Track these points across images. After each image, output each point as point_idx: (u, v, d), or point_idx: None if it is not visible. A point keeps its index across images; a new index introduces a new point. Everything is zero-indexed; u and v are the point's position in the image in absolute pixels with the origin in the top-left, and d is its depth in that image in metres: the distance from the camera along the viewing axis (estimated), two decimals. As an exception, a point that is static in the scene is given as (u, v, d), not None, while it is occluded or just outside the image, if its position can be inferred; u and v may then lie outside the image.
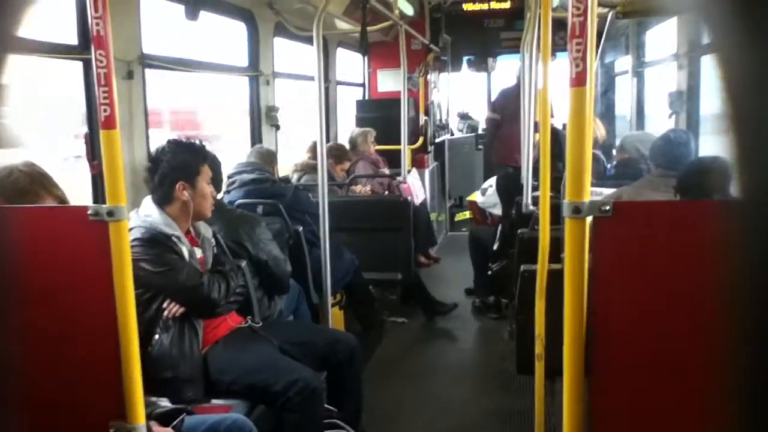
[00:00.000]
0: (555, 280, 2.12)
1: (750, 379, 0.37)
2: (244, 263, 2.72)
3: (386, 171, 5.66)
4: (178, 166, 2.47)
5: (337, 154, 5.03)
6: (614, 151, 4.70)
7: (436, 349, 4.40)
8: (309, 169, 4.72)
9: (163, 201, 2.47)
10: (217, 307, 2.48)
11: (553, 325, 2.09)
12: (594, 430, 1.33)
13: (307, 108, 5.35)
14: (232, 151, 4.88)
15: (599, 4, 3.61)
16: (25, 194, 1.86)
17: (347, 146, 5.47)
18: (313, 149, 4.84)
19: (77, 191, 2.93)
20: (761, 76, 0.33)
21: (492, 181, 5.23)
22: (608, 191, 3.21)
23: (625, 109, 6.08)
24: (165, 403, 2.11)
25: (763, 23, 0.33)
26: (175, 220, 2.46)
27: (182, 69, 3.81)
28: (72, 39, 2.82)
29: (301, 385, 2.37)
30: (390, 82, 7.15)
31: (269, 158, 3.90)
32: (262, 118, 4.67)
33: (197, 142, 2.57)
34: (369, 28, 4.29)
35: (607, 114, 6.39)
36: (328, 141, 4.96)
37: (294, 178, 4.74)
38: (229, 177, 3.67)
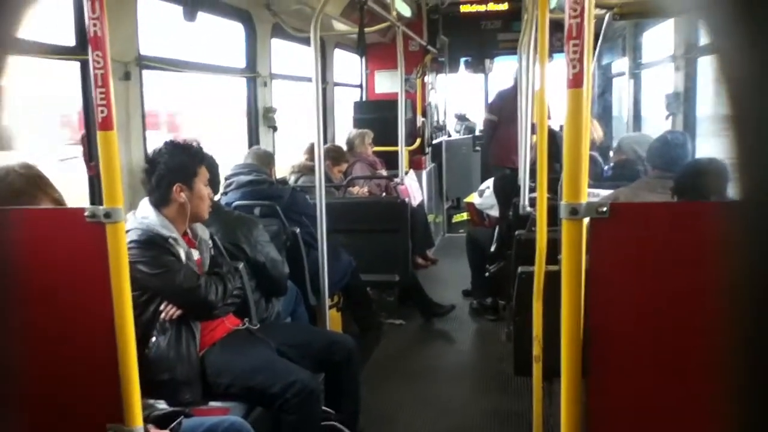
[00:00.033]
0: (552, 281, 2.12)
1: (748, 379, 0.37)
2: (241, 265, 2.71)
3: (384, 172, 5.66)
4: (175, 167, 2.47)
5: (334, 155, 5.03)
6: (611, 153, 4.71)
7: (433, 351, 4.40)
8: (306, 170, 4.72)
9: (160, 203, 2.46)
10: (214, 309, 2.47)
11: (551, 327, 2.09)
12: (592, 431, 1.33)
13: (304, 109, 5.36)
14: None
15: (596, 6, 3.61)
16: (21, 196, 1.85)
17: (345, 148, 5.48)
18: (311, 151, 4.83)
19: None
20: (761, 77, 0.33)
21: (489, 182, 5.23)
22: (605, 192, 3.22)
23: (622, 111, 6.09)
24: (162, 405, 2.10)
25: (762, 24, 0.33)
26: (172, 222, 2.46)
27: (179, 70, 3.80)
28: (69, 40, 2.82)
29: (298, 387, 2.37)
30: (387, 83, 7.16)
31: (266, 160, 3.90)
32: (259, 119, 4.67)
33: (194, 143, 2.56)
34: (366, 30, 4.30)
35: (604, 115, 6.41)
36: (325, 142, 4.95)
37: (291, 179, 4.73)
38: (226, 179, 3.67)
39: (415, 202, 5.43)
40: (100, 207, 1.44)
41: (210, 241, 2.64)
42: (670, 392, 1.29)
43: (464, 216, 7.52)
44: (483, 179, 6.42)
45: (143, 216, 2.44)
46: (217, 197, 3.16)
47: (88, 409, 1.54)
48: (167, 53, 3.67)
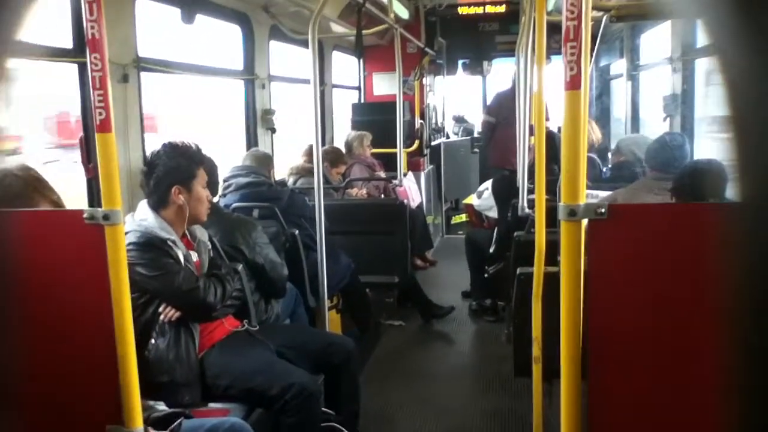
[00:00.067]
0: (551, 282, 2.12)
1: (747, 379, 0.37)
2: (240, 267, 2.71)
3: (382, 174, 5.66)
4: (173, 169, 2.46)
5: (332, 157, 5.03)
6: (609, 154, 4.71)
7: (433, 352, 4.40)
8: (305, 172, 4.72)
9: (158, 205, 2.46)
10: (213, 311, 2.47)
11: (550, 328, 2.09)
12: (591, 432, 1.33)
13: (302, 111, 5.36)
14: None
15: (593, 8, 3.62)
16: (20, 198, 1.85)
17: (343, 150, 5.48)
18: (309, 153, 4.83)
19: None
20: (760, 78, 0.33)
21: (488, 184, 5.23)
22: (604, 194, 3.22)
23: (620, 112, 6.11)
24: (162, 407, 2.10)
25: (760, 26, 0.33)
26: (171, 224, 2.46)
27: (178, 72, 3.80)
28: (67, 42, 2.82)
29: (297, 388, 2.36)
30: (385, 85, 7.17)
31: (265, 162, 3.90)
32: (257, 121, 4.67)
33: (193, 145, 2.56)
34: (364, 32, 4.30)
35: (602, 117, 6.42)
36: (323, 144, 4.96)
37: (290, 181, 4.73)
38: (225, 180, 3.67)
39: (413, 204, 5.43)
40: (99, 209, 1.44)
41: (209, 243, 2.64)
42: (670, 392, 1.29)
43: (463, 217, 7.53)
44: (482, 181, 6.42)
45: (142, 218, 2.44)
46: (215, 199, 3.16)
47: (89, 411, 1.54)
48: (165, 55, 3.67)
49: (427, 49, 7.18)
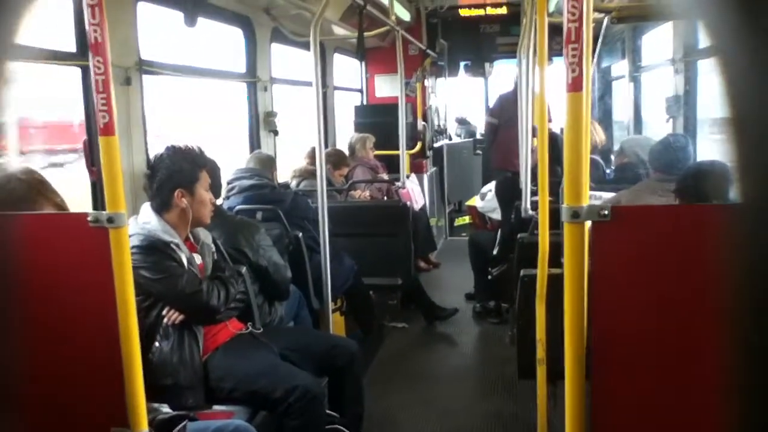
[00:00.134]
0: (555, 284, 2.12)
1: (751, 381, 0.37)
2: (244, 269, 2.71)
3: (385, 176, 5.67)
4: (176, 173, 2.47)
5: (335, 160, 5.04)
6: (613, 156, 4.71)
7: (436, 354, 4.40)
8: (308, 174, 4.73)
9: (161, 208, 2.47)
10: (216, 314, 2.47)
11: (554, 330, 2.09)
12: (595, 434, 1.33)
13: (305, 113, 5.36)
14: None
15: (595, 10, 3.62)
16: (24, 202, 1.85)
17: (346, 152, 5.48)
18: (312, 155, 4.84)
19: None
20: (761, 80, 0.33)
21: (491, 185, 5.23)
22: (607, 195, 3.22)
23: (623, 114, 6.10)
24: (166, 409, 2.10)
25: (762, 27, 0.33)
26: (174, 227, 2.46)
27: (180, 75, 3.82)
28: (70, 46, 2.83)
29: (301, 391, 2.36)
30: (387, 87, 7.18)
31: (268, 164, 3.90)
32: (260, 123, 4.68)
33: (196, 148, 2.57)
34: (366, 34, 4.30)
35: (605, 118, 6.41)
36: (326, 146, 4.96)
37: (293, 183, 4.74)
38: (228, 183, 3.67)
39: (416, 206, 5.44)
40: (103, 212, 1.44)
41: (212, 246, 2.64)
42: (674, 394, 1.29)
43: (466, 219, 7.53)
44: (484, 182, 6.43)
45: (145, 221, 2.44)
46: (219, 201, 3.16)
47: (94, 413, 1.54)
48: (168, 58, 3.68)
49: (428, 51, 7.19)
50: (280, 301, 3.00)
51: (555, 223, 2.02)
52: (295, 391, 2.36)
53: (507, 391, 3.64)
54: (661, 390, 1.30)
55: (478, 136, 8.68)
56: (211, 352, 2.48)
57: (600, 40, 4.35)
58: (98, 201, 2.91)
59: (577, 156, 1.25)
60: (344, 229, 4.08)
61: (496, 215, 4.88)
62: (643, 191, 3.03)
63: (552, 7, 4.25)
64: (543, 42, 2.46)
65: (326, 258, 3.26)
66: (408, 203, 4.82)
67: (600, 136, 4.66)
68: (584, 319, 1.29)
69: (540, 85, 2.71)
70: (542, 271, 2.27)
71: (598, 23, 3.96)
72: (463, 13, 7.71)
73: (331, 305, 3.40)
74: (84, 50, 2.74)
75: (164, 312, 2.38)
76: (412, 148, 6.72)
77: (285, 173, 4.85)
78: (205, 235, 2.62)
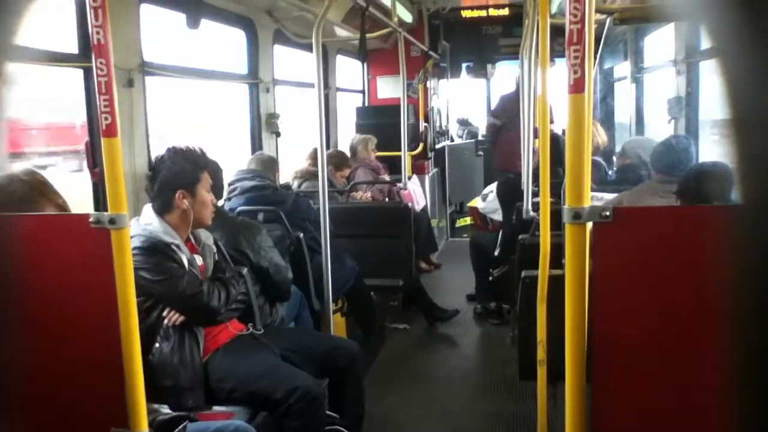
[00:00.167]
0: (556, 285, 2.12)
1: (753, 382, 0.37)
2: (245, 270, 2.71)
3: (386, 177, 5.67)
4: (178, 174, 2.47)
5: (337, 161, 5.04)
6: (614, 157, 4.70)
7: (438, 355, 4.39)
8: (309, 175, 4.73)
9: (162, 209, 2.47)
10: (217, 315, 2.47)
11: (555, 331, 2.09)
12: (596, 436, 1.33)
13: (307, 115, 5.37)
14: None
15: (597, 11, 3.62)
16: (25, 203, 1.86)
17: (348, 153, 5.49)
18: (313, 156, 4.85)
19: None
20: (763, 81, 0.33)
21: (493, 186, 5.23)
22: (609, 196, 3.22)
23: (625, 115, 6.09)
24: (166, 410, 2.10)
25: (763, 28, 0.33)
26: (175, 229, 2.46)
27: (182, 77, 3.82)
28: (73, 47, 2.83)
29: (302, 392, 2.36)
30: (389, 88, 7.18)
31: (270, 165, 3.91)
32: (262, 125, 4.69)
33: (197, 150, 2.57)
34: (368, 36, 4.31)
35: (607, 120, 6.41)
36: (328, 148, 4.97)
37: (294, 184, 4.74)
38: (229, 184, 3.68)
39: (418, 207, 5.44)
40: (105, 213, 1.44)
41: (214, 247, 2.64)
42: (674, 395, 1.28)
43: (467, 220, 7.53)
44: (486, 183, 6.42)
45: (146, 222, 2.44)
46: (220, 203, 3.16)
47: (94, 414, 1.54)
48: (170, 60, 3.68)
49: (430, 53, 7.19)
50: (281, 302, 3.00)
51: (556, 224, 2.03)
52: (296, 392, 2.35)
53: (508, 392, 3.64)
54: (662, 391, 1.30)
55: (480, 137, 8.67)
56: (212, 353, 2.48)
57: (602, 41, 4.35)
58: (100, 202, 2.91)
59: (579, 157, 1.25)
60: (345, 230, 4.09)
61: (498, 216, 4.87)
62: (645, 192, 3.03)
63: (554, 9, 4.25)
64: (545, 43, 2.46)
65: (327, 259, 3.26)
66: (409, 204, 4.82)
67: (602, 137, 4.65)
68: (585, 320, 1.29)
69: (542, 87, 2.71)
70: (543, 272, 2.27)
71: (600, 24, 3.96)
72: (466, 14, 7.71)
73: (332, 306, 3.40)
74: (87, 52, 2.74)
75: (165, 313, 2.38)
76: (414, 149, 6.72)
77: (287, 174, 4.85)
78: (207, 237, 2.62)
